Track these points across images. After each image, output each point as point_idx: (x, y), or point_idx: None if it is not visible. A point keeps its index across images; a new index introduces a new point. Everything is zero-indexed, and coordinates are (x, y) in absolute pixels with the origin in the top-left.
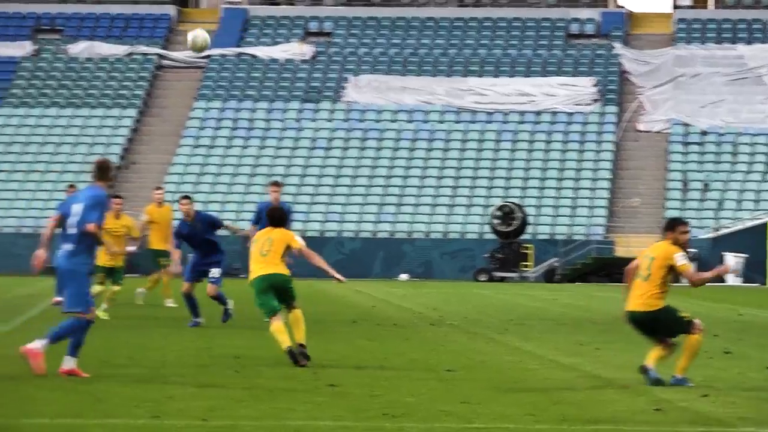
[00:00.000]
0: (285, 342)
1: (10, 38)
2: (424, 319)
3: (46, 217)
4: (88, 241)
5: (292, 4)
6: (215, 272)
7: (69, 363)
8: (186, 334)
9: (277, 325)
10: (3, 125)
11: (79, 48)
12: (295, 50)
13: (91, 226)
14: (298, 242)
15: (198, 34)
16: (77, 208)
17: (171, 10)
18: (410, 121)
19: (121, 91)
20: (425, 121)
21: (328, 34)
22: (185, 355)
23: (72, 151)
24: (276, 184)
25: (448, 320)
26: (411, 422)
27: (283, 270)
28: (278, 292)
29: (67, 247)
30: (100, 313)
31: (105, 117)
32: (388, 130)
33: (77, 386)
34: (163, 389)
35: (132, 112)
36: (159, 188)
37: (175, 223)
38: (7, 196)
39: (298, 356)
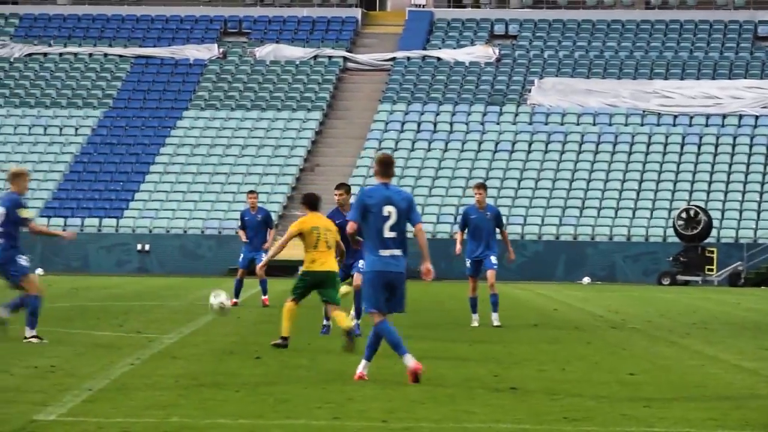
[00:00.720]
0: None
1: (197, 41)
2: (606, 323)
3: (230, 219)
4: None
5: (477, 7)
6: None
7: None
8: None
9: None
10: (189, 127)
11: (265, 51)
12: (480, 53)
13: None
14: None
15: (215, 303)
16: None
17: (357, 13)
18: (594, 124)
19: (306, 94)
20: (610, 124)
21: (513, 37)
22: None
23: (256, 153)
24: (251, 192)
25: (630, 324)
26: (592, 426)
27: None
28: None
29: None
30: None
31: (290, 119)
32: (572, 132)
33: (258, 388)
34: (344, 391)
35: (317, 114)
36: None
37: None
38: (192, 198)
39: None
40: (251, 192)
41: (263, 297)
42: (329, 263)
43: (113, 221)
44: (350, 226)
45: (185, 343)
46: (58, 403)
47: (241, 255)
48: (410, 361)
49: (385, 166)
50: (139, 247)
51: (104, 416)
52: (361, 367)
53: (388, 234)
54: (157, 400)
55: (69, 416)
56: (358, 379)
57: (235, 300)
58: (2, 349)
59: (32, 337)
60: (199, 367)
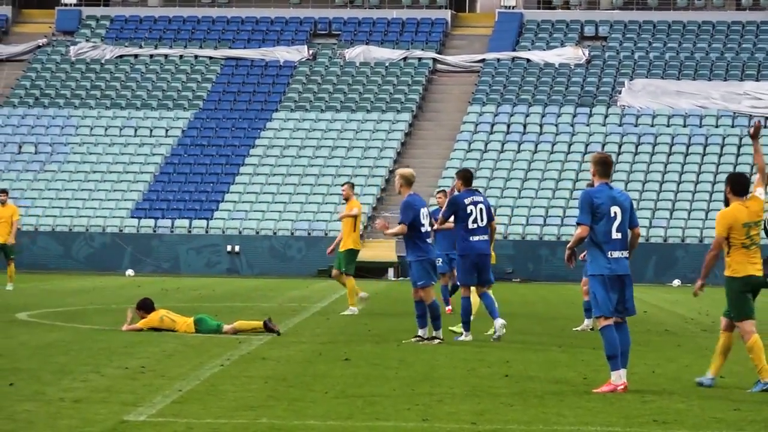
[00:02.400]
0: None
1: (287, 43)
2: (697, 325)
3: (319, 220)
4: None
5: (567, 8)
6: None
7: None
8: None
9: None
10: (279, 129)
11: (355, 52)
12: (570, 54)
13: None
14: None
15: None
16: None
17: (446, 14)
18: (685, 126)
19: (395, 95)
20: (700, 126)
21: (603, 38)
22: (455, 358)
23: (346, 155)
24: (441, 191)
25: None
26: (682, 429)
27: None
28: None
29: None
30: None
31: (379, 121)
32: (662, 134)
33: (347, 389)
34: (433, 392)
35: (406, 116)
36: (441, 191)
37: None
38: (282, 199)
39: None
40: (441, 191)
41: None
42: None
43: (203, 222)
44: (582, 230)
45: (275, 344)
46: (148, 403)
47: (439, 260)
48: (616, 377)
49: (606, 166)
50: (228, 248)
51: (194, 417)
52: (618, 378)
53: (615, 235)
54: (246, 402)
55: (159, 417)
56: (623, 390)
57: (450, 308)
58: (93, 350)
59: None
60: (289, 369)
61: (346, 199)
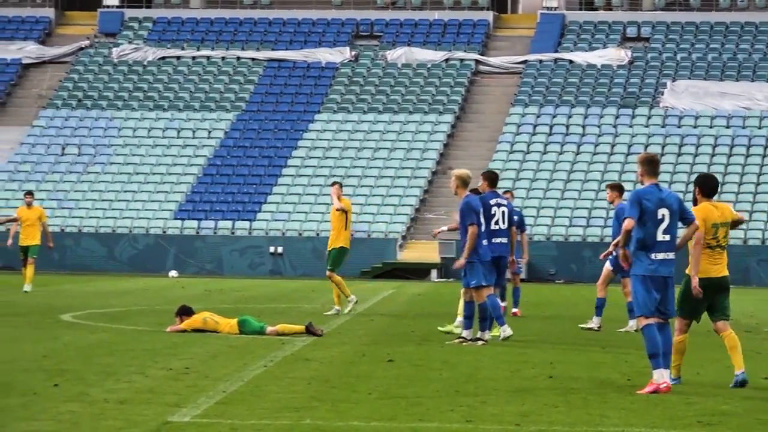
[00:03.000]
0: None
1: (329, 44)
2: (740, 326)
3: (363, 222)
4: None
5: (609, 9)
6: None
7: None
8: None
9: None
10: (321, 130)
11: (397, 54)
12: (612, 55)
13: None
14: None
15: None
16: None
17: (488, 16)
18: (728, 127)
19: (437, 97)
20: (743, 127)
21: (645, 39)
22: (499, 359)
23: (388, 156)
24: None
25: (765, 327)
26: (726, 430)
27: None
28: None
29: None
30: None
31: (422, 123)
32: (705, 135)
33: (391, 390)
34: (477, 394)
35: (448, 117)
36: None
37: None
38: (325, 200)
39: None
40: (507, 191)
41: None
42: None
43: (246, 224)
44: (628, 223)
45: (318, 345)
46: (192, 404)
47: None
48: (658, 376)
49: (653, 165)
50: (271, 249)
51: (238, 418)
52: (660, 376)
53: (661, 237)
54: (290, 403)
55: (203, 418)
56: (666, 390)
57: (515, 310)
58: (137, 352)
59: None
60: (332, 370)
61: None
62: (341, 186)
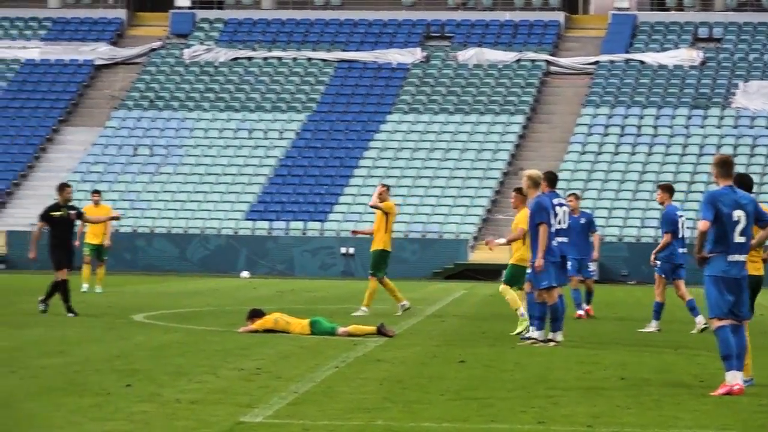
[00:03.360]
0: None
1: (400, 45)
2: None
3: (433, 222)
4: None
5: (681, 10)
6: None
7: None
8: (570, 340)
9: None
10: (392, 131)
11: (468, 54)
12: (684, 56)
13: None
14: None
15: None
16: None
17: (560, 16)
18: None
19: (509, 98)
20: None
21: (717, 40)
22: (570, 360)
23: (459, 157)
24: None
25: None
26: None
27: None
28: None
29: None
30: None
31: (493, 123)
32: None
33: (463, 391)
34: (549, 395)
35: (520, 118)
36: (572, 194)
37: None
38: (396, 201)
39: None
40: (572, 194)
41: (586, 306)
42: None
43: (318, 224)
44: (703, 225)
45: (390, 346)
46: (264, 405)
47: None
48: (731, 377)
49: (727, 166)
50: (343, 250)
51: (310, 419)
52: (733, 378)
53: (737, 239)
54: (362, 404)
55: (275, 419)
56: (739, 392)
57: (579, 312)
58: (209, 352)
59: None
60: (404, 371)
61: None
62: (389, 189)
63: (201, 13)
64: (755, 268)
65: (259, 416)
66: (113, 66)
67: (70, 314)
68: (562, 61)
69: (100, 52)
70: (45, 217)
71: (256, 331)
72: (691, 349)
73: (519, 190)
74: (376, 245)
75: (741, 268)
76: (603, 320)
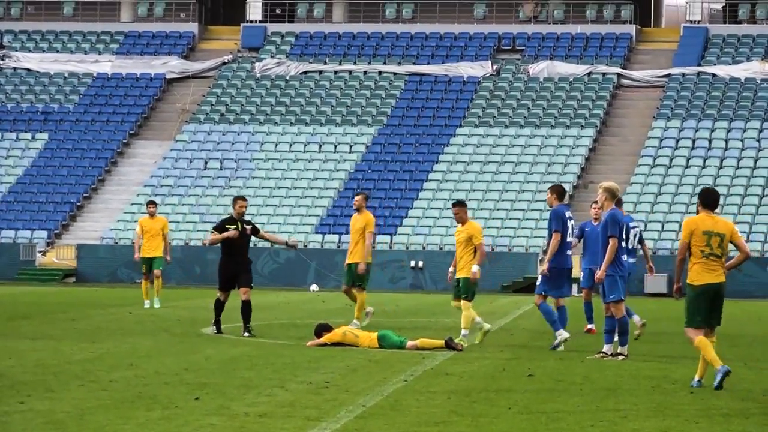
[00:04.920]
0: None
1: (471, 58)
2: None
3: (503, 236)
4: None
5: (753, 23)
6: None
7: None
8: (639, 354)
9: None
10: (463, 144)
11: (539, 68)
12: (756, 69)
13: None
14: None
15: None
16: None
17: (631, 29)
18: None
19: (579, 111)
20: None
21: None
22: (639, 375)
23: (530, 170)
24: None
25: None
26: None
27: None
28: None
29: None
30: None
31: (563, 136)
32: None
33: (531, 405)
34: (618, 408)
35: (590, 131)
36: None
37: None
38: (483, 215)
39: None
40: (595, 202)
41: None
42: None
43: (387, 238)
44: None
45: (458, 359)
46: (332, 418)
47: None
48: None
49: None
50: (412, 263)
51: None
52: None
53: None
54: (430, 417)
55: (343, 431)
56: None
57: (589, 326)
58: (278, 365)
59: None
60: (472, 384)
61: (358, 210)
62: (367, 197)
63: (272, 27)
64: (715, 277)
65: (326, 429)
66: (184, 79)
67: (246, 334)
68: (634, 74)
69: (171, 65)
70: (220, 230)
71: (324, 345)
72: (760, 362)
73: (460, 203)
74: (360, 258)
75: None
76: (671, 334)
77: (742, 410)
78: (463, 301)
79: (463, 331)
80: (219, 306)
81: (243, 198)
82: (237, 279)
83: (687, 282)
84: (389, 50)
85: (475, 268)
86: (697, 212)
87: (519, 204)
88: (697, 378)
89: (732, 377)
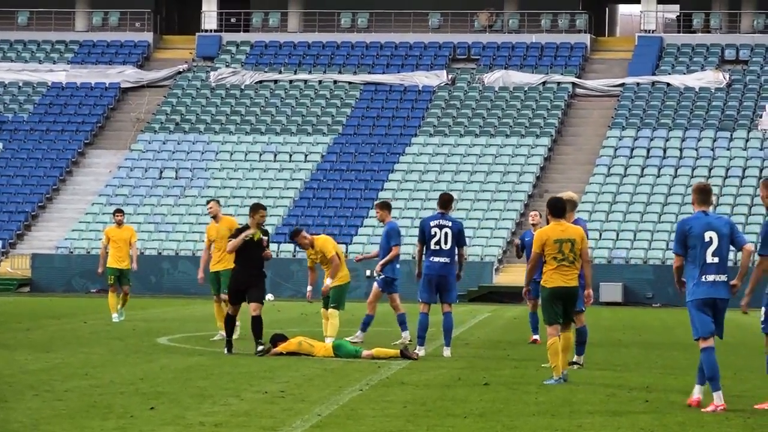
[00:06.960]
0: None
1: (426, 68)
2: None
3: (468, 245)
4: None
5: (707, 32)
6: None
7: None
8: (595, 363)
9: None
10: (418, 154)
11: (494, 77)
12: (710, 78)
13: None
14: None
15: None
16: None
17: (586, 39)
18: None
19: (534, 120)
20: None
21: (744, 62)
22: (595, 383)
23: (485, 179)
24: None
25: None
26: None
27: None
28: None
29: None
30: None
31: (518, 146)
32: None
33: (486, 415)
34: (572, 418)
35: (545, 140)
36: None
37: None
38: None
39: None
40: (535, 211)
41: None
42: None
43: (342, 247)
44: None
45: (414, 369)
46: (287, 428)
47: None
48: (716, 398)
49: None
50: (367, 272)
51: None
52: (696, 392)
53: (710, 260)
54: (386, 426)
55: None
56: (694, 405)
57: (534, 337)
58: (233, 375)
59: None
60: (428, 393)
61: (214, 217)
62: (219, 202)
63: (227, 36)
64: (568, 281)
65: None
66: (139, 89)
67: (259, 348)
68: (588, 83)
69: (126, 75)
70: (236, 236)
71: (280, 354)
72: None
73: (384, 205)
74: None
75: (717, 288)
76: (628, 343)
77: (696, 418)
78: (331, 310)
79: (327, 339)
80: (230, 323)
81: (262, 207)
82: (247, 293)
83: (541, 284)
84: (344, 59)
85: (328, 281)
86: (548, 222)
87: (474, 213)
88: (556, 376)
89: (687, 386)
